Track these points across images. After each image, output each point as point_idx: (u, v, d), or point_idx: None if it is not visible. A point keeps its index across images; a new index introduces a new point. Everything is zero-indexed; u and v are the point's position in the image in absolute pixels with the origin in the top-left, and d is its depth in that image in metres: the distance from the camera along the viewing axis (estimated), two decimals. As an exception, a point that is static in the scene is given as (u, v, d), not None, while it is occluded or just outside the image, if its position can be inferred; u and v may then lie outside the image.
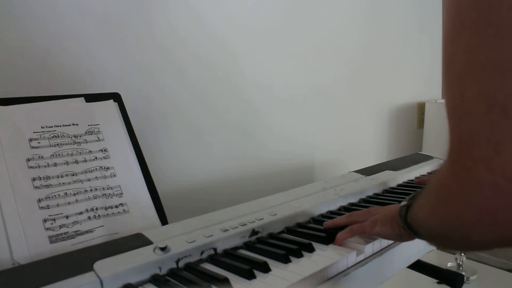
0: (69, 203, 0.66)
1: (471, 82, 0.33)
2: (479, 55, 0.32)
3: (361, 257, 0.61)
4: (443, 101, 0.39)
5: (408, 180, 1.00)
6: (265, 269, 0.54)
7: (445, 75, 0.37)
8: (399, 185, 0.96)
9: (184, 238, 0.59)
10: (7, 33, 0.80)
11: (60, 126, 0.72)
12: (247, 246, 0.63)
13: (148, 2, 0.98)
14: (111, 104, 0.79)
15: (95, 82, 0.91)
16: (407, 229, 0.54)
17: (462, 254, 1.46)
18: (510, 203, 0.32)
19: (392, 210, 0.60)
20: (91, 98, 0.78)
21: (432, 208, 0.43)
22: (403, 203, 0.55)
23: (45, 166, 0.67)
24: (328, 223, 0.69)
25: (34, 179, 0.65)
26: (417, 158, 1.19)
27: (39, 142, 0.69)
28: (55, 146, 0.70)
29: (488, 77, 0.32)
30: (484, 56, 0.32)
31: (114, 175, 0.73)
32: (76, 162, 0.70)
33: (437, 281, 0.84)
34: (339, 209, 0.80)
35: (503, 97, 0.31)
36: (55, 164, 0.68)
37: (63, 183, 0.68)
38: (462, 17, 0.34)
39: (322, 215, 0.77)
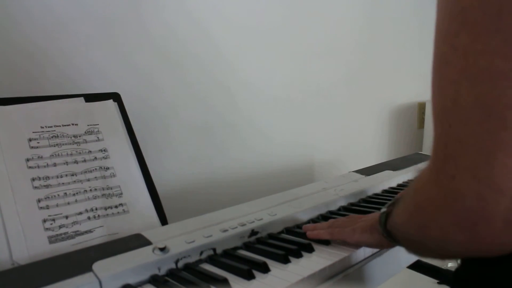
0: (68, 203, 0.66)
1: (468, 87, 0.31)
2: (481, 60, 0.30)
3: (361, 256, 0.61)
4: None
5: (408, 180, 1.00)
6: (265, 269, 0.54)
7: (435, 76, 0.35)
8: (399, 185, 0.96)
9: (183, 239, 0.59)
10: (6, 34, 0.80)
11: (60, 126, 0.72)
12: (247, 246, 0.63)
13: (146, 2, 0.98)
14: (110, 104, 0.79)
15: (94, 82, 0.90)
16: (387, 237, 0.52)
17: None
18: (491, 215, 0.31)
19: (374, 218, 0.58)
20: (90, 98, 0.78)
21: (410, 215, 0.41)
22: (382, 210, 0.53)
23: (45, 166, 0.67)
24: (310, 233, 0.65)
25: (33, 179, 0.65)
26: (417, 158, 1.19)
27: (38, 142, 0.68)
28: (54, 146, 0.70)
29: (489, 84, 0.30)
30: (487, 62, 0.30)
31: (113, 175, 0.73)
32: (76, 162, 0.70)
33: (437, 281, 0.84)
34: (339, 209, 0.80)
35: (502, 107, 0.30)
36: (55, 164, 0.68)
37: (63, 183, 0.67)
38: (464, 17, 0.31)
39: (322, 215, 0.76)
